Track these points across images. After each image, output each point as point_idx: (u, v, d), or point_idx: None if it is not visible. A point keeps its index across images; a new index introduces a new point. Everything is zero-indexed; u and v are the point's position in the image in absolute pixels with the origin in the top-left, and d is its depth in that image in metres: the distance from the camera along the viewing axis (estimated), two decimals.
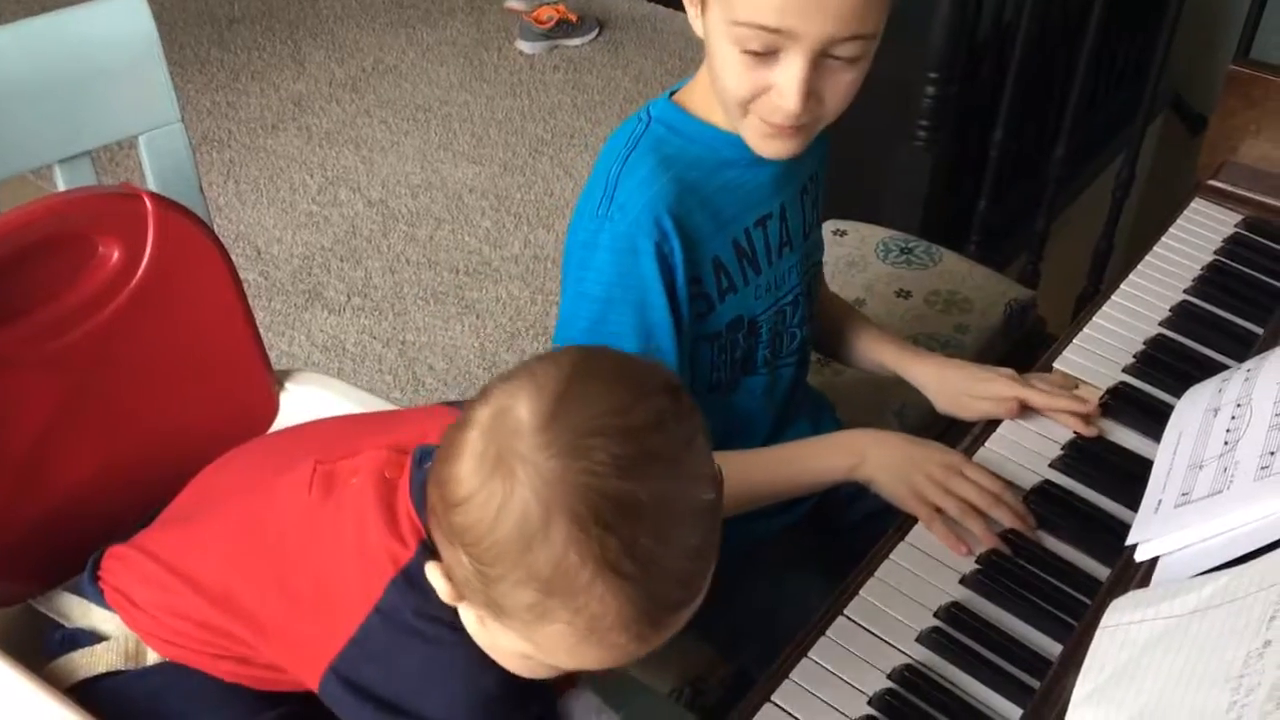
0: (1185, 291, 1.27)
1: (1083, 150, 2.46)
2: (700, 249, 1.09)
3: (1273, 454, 0.91)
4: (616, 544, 0.70)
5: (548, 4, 3.36)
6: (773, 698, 0.90)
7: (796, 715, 0.89)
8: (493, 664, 0.84)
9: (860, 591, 0.98)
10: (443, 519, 0.76)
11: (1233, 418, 0.98)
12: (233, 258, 1.14)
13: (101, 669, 0.98)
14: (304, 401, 1.22)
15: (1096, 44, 2.09)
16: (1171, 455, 1.01)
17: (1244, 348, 1.19)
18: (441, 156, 2.91)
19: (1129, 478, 1.05)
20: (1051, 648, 0.93)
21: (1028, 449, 1.11)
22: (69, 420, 1.06)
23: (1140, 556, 0.94)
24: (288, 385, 1.23)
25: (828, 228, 1.80)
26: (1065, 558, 1.01)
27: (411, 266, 2.57)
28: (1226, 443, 0.96)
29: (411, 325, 2.41)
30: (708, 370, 1.16)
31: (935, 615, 0.96)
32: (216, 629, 0.94)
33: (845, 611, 0.96)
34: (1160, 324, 1.23)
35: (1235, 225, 1.36)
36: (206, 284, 1.12)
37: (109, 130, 1.18)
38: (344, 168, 2.86)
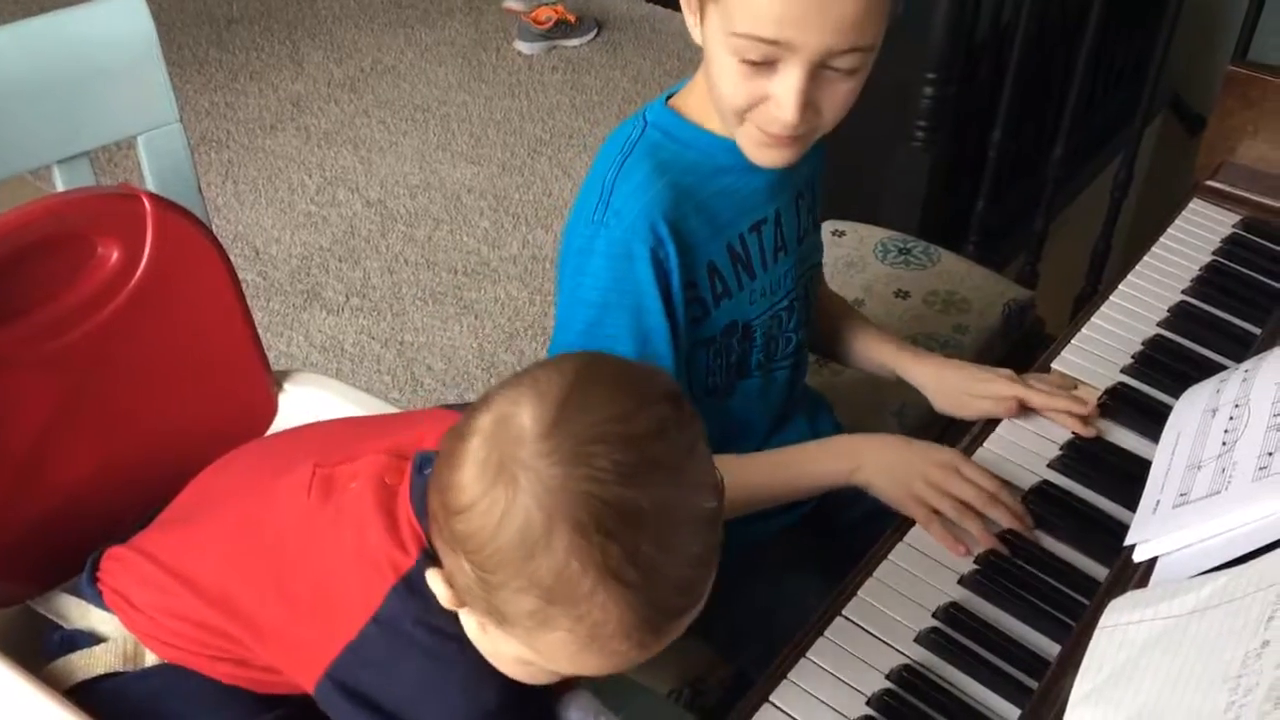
0: (1183, 292, 1.27)
1: (1081, 151, 2.46)
2: (695, 254, 1.09)
3: (1271, 454, 0.91)
4: (619, 552, 0.70)
5: (546, 4, 3.36)
6: (771, 698, 0.90)
7: (795, 716, 0.89)
8: (492, 677, 0.84)
9: (859, 592, 0.98)
10: (444, 526, 0.76)
11: (1231, 418, 0.98)
12: (231, 258, 1.14)
13: (100, 670, 0.98)
14: (303, 402, 1.22)
15: (1095, 44, 2.10)
16: (1170, 456, 1.01)
17: (1242, 348, 1.19)
18: (440, 157, 2.91)
19: (1127, 478, 1.05)
20: (1050, 648, 0.93)
21: (1026, 449, 1.11)
22: (68, 420, 1.06)
23: (1139, 557, 0.94)
24: (286, 386, 1.23)
25: (826, 228, 1.80)
26: (1064, 558, 1.01)
27: (410, 267, 2.57)
28: (1225, 443, 0.96)
29: (410, 326, 2.41)
30: (704, 375, 1.16)
31: (934, 616, 0.96)
32: (214, 630, 0.94)
33: (844, 612, 0.96)
34: (1158, 324, 1.23)
35: (1233, 226, 1.36)
36: (205, 284, 1.12)
37: (108, 131, 1.18)
38: (342, 168, 2.86)
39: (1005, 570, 0.99)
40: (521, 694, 0.86)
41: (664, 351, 1.07)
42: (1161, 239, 1.35)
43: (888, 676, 0.91)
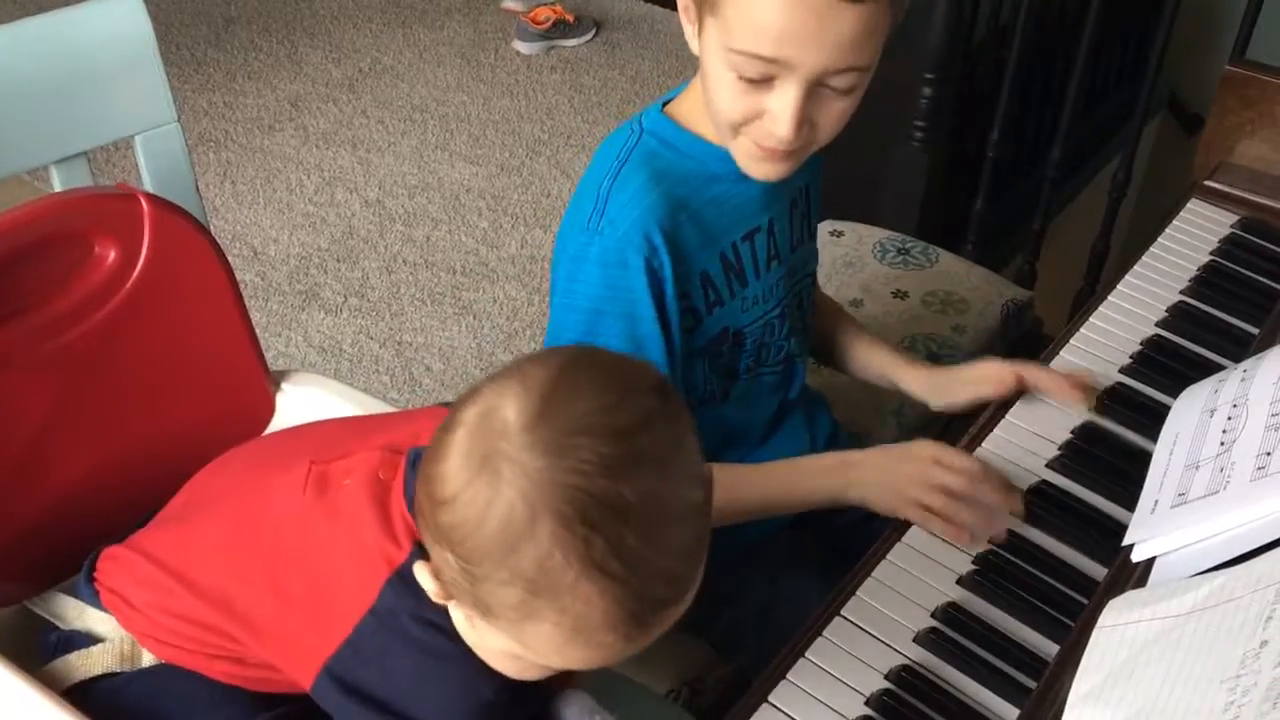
0: (1182, 292, 1.27)
1: (1079, 151, 2.46)
2: (689, 264, 1.09)
3: (1269, 454, 0.91)
4: (603, 543, 0.70)
5: (545, 4, 3.36)
6: (770, 698, 0.90)
7: (794, 716, 0.89)
8: (488, 672, 0.84)
9: (858, 592, 0.98)
10: (429, 518, 0.76)
11: (1229, 418, 0.98)
12: (229, 258, 1.14)
13: (97, 671, 0.98)
14: (301, 402, 1.22)
15: (1093, 44, 2.10)
16: (1168, 456, 1.01)
17: (1240, 348, 1.19)
18: (438, 157, 2.91)
19: (1126, 478, 1.05)
20: (1048, 648, 0.93)
21: (1024, 449, 1.11)
22: (65, 420, 1.05)
23: (1137, 557, 0.94)
24: (284, 386, 1.23)
25: (824, 228, 1.80)
26: (1062, 558, 1.01)
27: (408, 267, 2.57)
28: (1223, 443, 0.96)
29: (408, 326, 2.41)
30: (701, 383, 1.16)
31: (932, 616, 0.96)
32: (212, 628, 0.94)
33: (842, 612, 0.96)
34: (1157, 324, 1.23)
35: (1231, 226, 1.36)
36: (203, 285, 1.12)
37: (105, 130, 1.18)
38: (341, 168, 2.86)
39: (1004, 570, 0.99)
40: (517, 690, 0.86)
41: (658, 360, 1.07)
42: (1160, 239, 1.35)
43: (886, 676, 0.91)
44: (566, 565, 0.70)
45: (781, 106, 0.98)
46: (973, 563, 1.00)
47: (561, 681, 0.93)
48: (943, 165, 2.14)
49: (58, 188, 1.15)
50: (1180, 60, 2.66)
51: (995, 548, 1.01)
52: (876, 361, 1.31)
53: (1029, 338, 1.75)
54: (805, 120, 0.99)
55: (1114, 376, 1.18)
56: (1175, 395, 1.09)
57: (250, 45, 3.29)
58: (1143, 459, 1.05)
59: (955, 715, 0.89)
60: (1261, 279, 1.29)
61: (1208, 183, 1.42)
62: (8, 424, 1.02)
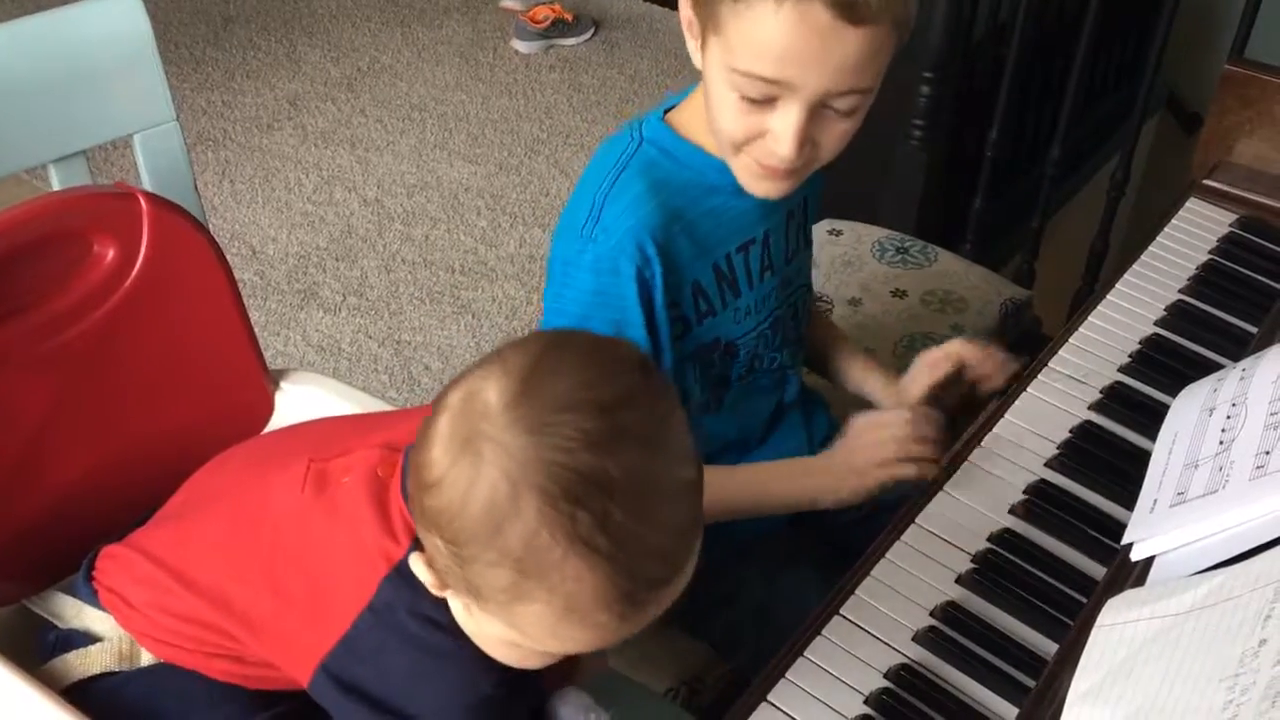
0: (1181, 291, 1.27)
1: (1078, 150, 2.46)
2: (681, 274, 1.09)
3: (1268, 453, 0.91)
4: (588, 519, 0.70)
5: (543, 3, 3.36)
6: (769, 697, 0.90)
7: (793, 714, 0.89)
8: (485, 668, 0.84)
9: (857, 591, 0.98)
10: (417, 505, 0.76)
11: (1228, 417, 0.98)
12: (228, 257, 1.14)
13: (96, 670, 0.98)
14: (299, 401, 1.22)
15: (1092, 43, 2.10)
16: (1167, 454, 1.01)
17: (1239, 347, 1.19)
18: (437, 156, 2.91)
19: (1125, 477, 1.05)
20: (1047, 647, 0.93)
21: (1023, 448, 1.11)
22: (64, 419, 1.05)
23: (1136, 556, 0.94)
24: (283, 385, 1.23)
25: (823, 227, 1.81)
26: (1061, 557, 1.01)
27: (407, 266, 2.57)
28: (1222, 442, 0.96)
29: (407, 325, 2.41)
30: (696, 391, 1.16)
31: (931, 615, 0.96)
32: (210, 627, 0.94)
33: (841, 611, 0.96)
34: (1156, 323, 1.23)
35: (1230, 225, 1.36)
36: (201, 284, 1.12)
37: (104, 129, 1.18)
38: (339, 167, 2.85)
39: (1003, 569, 0.99)
40: (514, 686, 0.86)
41: None
42: (1158, 238, 1.35)
43: (885, 675, 0.91)
44: (553, 542, 0.70)
45: (783, 127, 0.98)
46: (972, 561, 1.00)
47: (563, 675, 0.93)
48: (941, 164, 2.14)
49: (56, 186, 1.15)
50: (1179, 59, 2.66)
51: (994, 547, 1.01)
52: (853, 376, 1.33)
53: (1028, 337, 1.75)
54: (807, 140, 1.00)
55: (1113, 375, 1.18)
56: (1174, 394, 1.09)
57: (249, 44, 3.29)
58: (1142, 458, 1.05)
59: (954, 714, 0.89)
60: (1260, 278, 1.29)
61: (1206, 181, 1.42)
62: (6, 423, 1.02)
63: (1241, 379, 1.02)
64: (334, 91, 3.13)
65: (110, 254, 1.05)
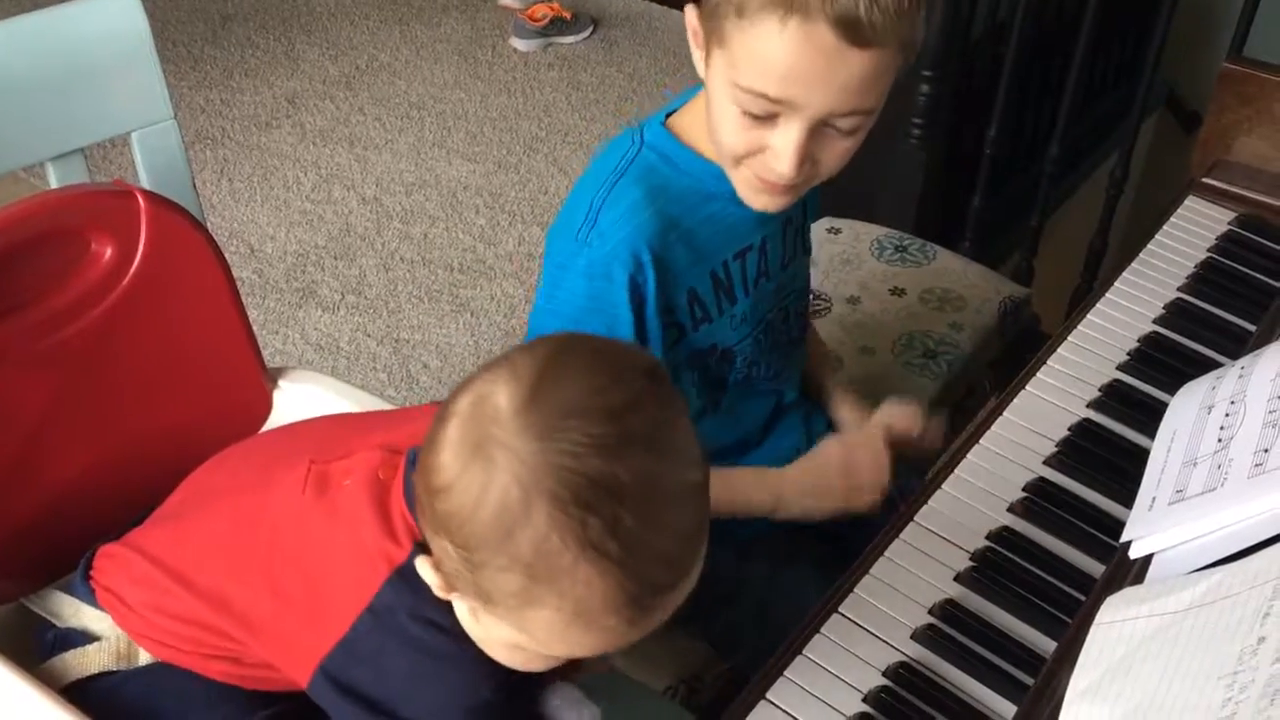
0: (1179, 289, 1.27)
1: (1077, 148, 2.46)
2: (675, 282, 1.09)
3: (1266, 451, 0.91)
4: (599, 524, 0.70)
5: (542, 1, 3.35)
6: (768, 695, 0.90)
7: (791, 712, 0.89)
8: (484, 671, 0.84)
9: (855, 589, 0.97)
10: (427, 508, 0.76)
11: (1227, 415, 0.98)
12: (226, 256, 1.14)
13: (94, 670, 0.98)
14: (298, 400, 1.22)
15: (1091, 41, 2.10)
16: (1166, 452, 1.01)
17: (1238, 345, 1.19)
18: (436, 154, 2.91)
19: (1123, 475, 1.05)
20: (1046, 645, 0.93)
21: (1022, 446, 1.11)
22: (61, 417, 1.05)
23: (1135, 554, 0.94)
24: (281, 383, 1.23)
25: (822, 225, 1.80)
26: (1060, 555, 1.01)
27: (406, 264, 2.56)
28: (1220, 440, 0.96)
29: (406, 323, 2.41)
30: (692, 395, 1.16)
31: (930, 612, 0.96)
32: (209, 628, 0.94)
33: (840, 609, 0.96)
34: (1154, 321, 1.23)
35: (1229, 223, 1.36)
36: (200, 282, 1.12)
37: (102, 127, 1.18)
38: (338, 165, 2.85)
39: (1002, 567, 0.99)
40: (513, 689, 0.86)
41: None
42: (1157, 236, 1.35)
43: (884, 673, 0.91)
44: (564, 548, 0.70)
45: (784, 144, 0.98)
46: (970, 559, 1.00)
47: (564, 677, 0.93)
48: (940, 162, 2.14)
49: (54, 184, 1.15)
50: (1178, 57, 2.66)
51: (993, 544, 1.01)
52: (829, 402, 1.34)
53: (1026, 335, 1.75)
54: (807, 159, 0.99)
55: (1111, 373, 1.18)
56: (1173, 392, 1.09)
57: (247, 42, 3.29)
58: (1140, 456, 1.05)
59: (953, 712, 0.89)
60: (1259, 276, 1.29)
61: (1205, 180, 1.42)
62: (4, 420, 1.02)
63: (1240, 377, 1.02)
64: (332, 90, 3.13)
65: (108, 252, 1.05)
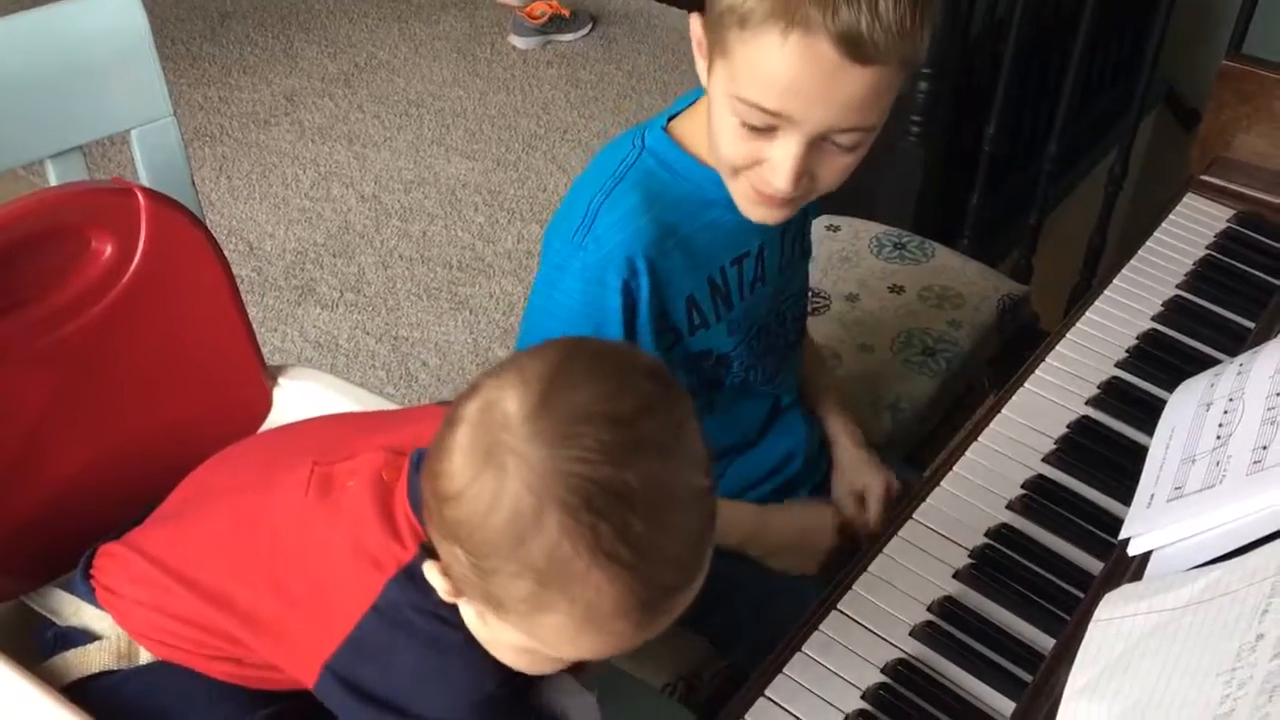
0: (1178, 286, 1.27)
1: (1076, 145, 2.46)
2: (673, 289, 1.09)
3: (1265, 448, 0.91)
4: (610, 531, 0.70)
5: None
6: (766, 692, 0.90)
7: (790, 709, 0.89)
8: (490, 666, 0.84)
9: (854, 586, 0.98)
10: (436, 515, 0.76)
11: (1225, 412, 0.98)
12: (225, 253, 1.14)
13: (94, 669, 0.98)
14: (297, 397, 1.22)
15: (1089, 38, 2.10)
16: (1164, 450, 1.01)
17: (1236, 342, 1.19)
18: (434, 152, 2.91)
19: (1122, 472, 1.05)
20: (1044, 642, 0.93)
21: (1021, 443, 1.11)
22: (61, 415, 1.05)
23: (1133, 551, 0.94)
24: (281, 381, 1.23)
25: (821, 223, 1.80)
26: (1058, 552, 1.01)
27: (404, 262, 2.56)
28: (1219, 437, 0.96)
29: (405, 321, 2.41)
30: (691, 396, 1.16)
31: (928, 609, 0.96)
32: (210, 629, 0.94)
33: (838, 606, 0.96)
34: (1153, 319, 1.23)
35: (1228, 220, 1.36)
36: (199, 280, 1.12)
37: (101, 125, 1.18)
38: (337, 163, 2.85)
39: (1000, 564, 0.99)
40: (519, 684, 0.86)
41: None
42: (1156, 233, 1.35)
43: (883, 670, 0.91)
44: (575, 554, 0.70)
45: (782, 158, 0.97)
46: (969, 557, 1.00)
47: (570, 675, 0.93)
48: (939, 159, 2.14)
49: (53, 182, 1.15)
50: (1177, 55, 2.66)
51: (991, 542, 1.01)
52: (825, 426, 1.35)
53: (1025, 332, 1.75)
54: (804, 173, 0.98)
55: (1110, 371, 1.18)
56: (1171, 389, 1.09)
57: (246, 40, 3.29)
58: (1139, 453, 1.05)
59: (951, 709, 0.89)
60: (1258, 273, 1.29)
61: (1204, 177, 1.42)
62: (4, 418, 1.02)
63: (1239, 374, 1.02)
64: (331, 87, 3.13)
65: (108, 249, 1.05)
